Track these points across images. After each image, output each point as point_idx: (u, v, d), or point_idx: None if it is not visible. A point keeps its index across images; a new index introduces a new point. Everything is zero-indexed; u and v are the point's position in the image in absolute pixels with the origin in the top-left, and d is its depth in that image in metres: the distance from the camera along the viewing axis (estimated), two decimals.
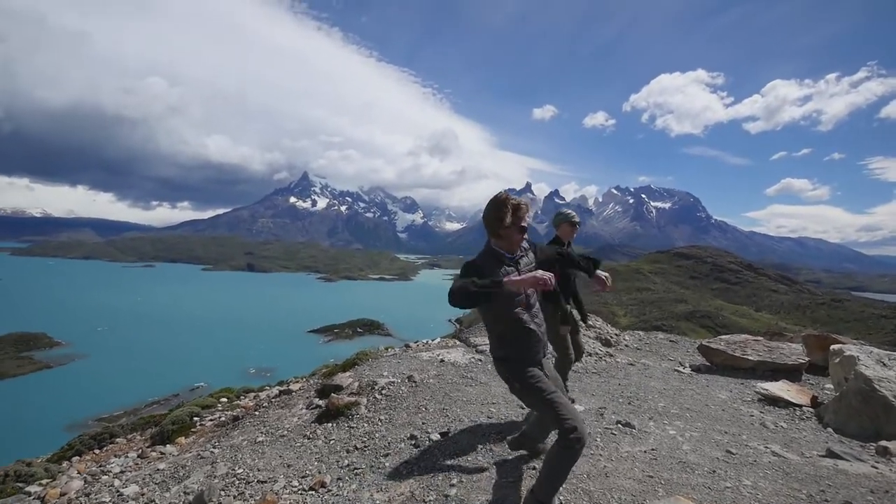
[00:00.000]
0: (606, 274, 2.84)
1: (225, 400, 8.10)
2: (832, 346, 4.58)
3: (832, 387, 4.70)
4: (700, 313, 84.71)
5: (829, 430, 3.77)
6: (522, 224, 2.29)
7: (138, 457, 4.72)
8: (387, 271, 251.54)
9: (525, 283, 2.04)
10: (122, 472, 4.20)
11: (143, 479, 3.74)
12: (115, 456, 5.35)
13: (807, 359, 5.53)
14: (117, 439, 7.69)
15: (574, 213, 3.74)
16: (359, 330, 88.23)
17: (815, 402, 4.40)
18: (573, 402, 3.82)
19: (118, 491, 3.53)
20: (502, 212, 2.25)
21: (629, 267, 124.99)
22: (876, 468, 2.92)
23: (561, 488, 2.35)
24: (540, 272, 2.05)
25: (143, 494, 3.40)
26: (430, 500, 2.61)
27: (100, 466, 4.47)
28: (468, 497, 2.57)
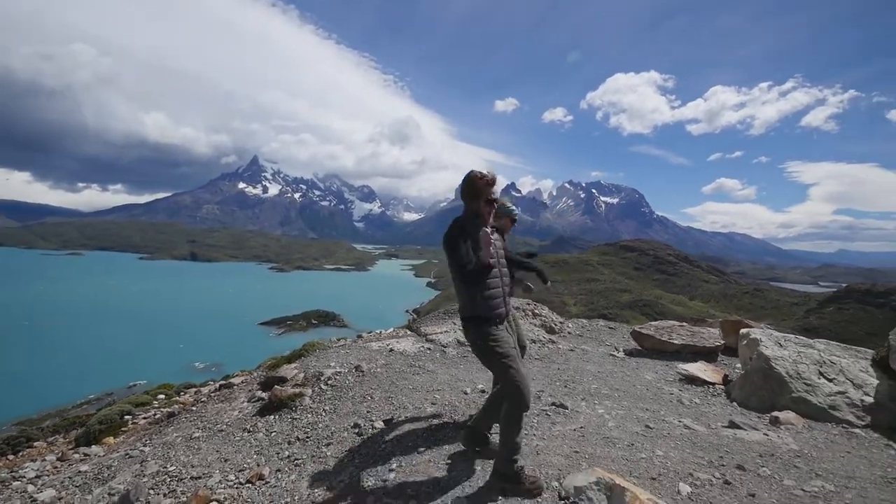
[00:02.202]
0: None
1: (162, 397, 7.66)
2: (741, 330, 5.13)
3: (741, 366, 5.27)
4: (642, 302, 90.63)
5: (735, 404, 4.24)
6: (490, 197, 2.65)
7: (58, 460, 4.37)
8: (343, 261, 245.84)
9: (487, 245, 2.50)
10: (37, 476, 3.89)
11: (62, 482, 3.50)
12: (32, 460, 4.92)
13: (722, 342, 6.14)
14: (35, 443, 7.06)
15: (516, 210, 3.85)
16: (313, 321, 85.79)
17: (725, 380, 4.92)
18: None
19: (31, 497, 3.28)
20: (473, 187, 2.63)
21: (579, 258, 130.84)
22: (767, 436, 3.34)
23: (518, 455, 2.49)
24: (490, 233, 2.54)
25: (60, 499, 3.19)
26: (369, 487, 2.66)
27: (11, 472, 4.09)
28: (406, 481, 2.65)
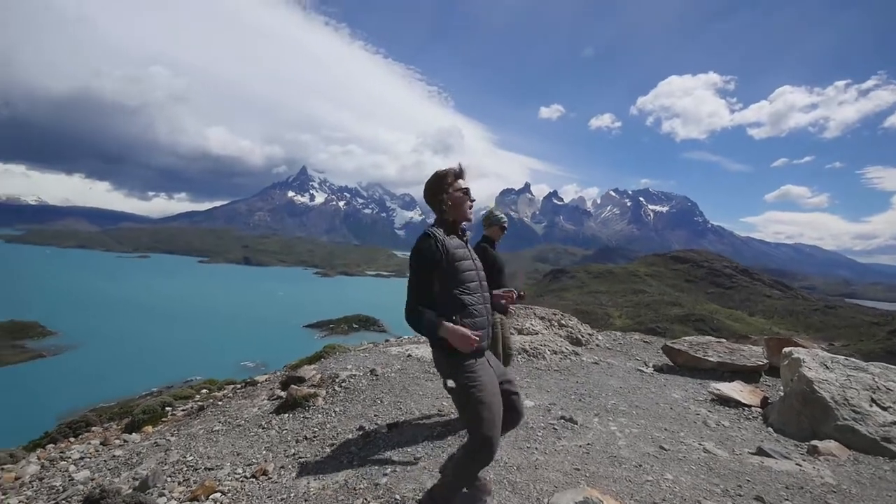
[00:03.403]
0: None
1: (205, 391, 8.17)
2: (784, 349, 4.68)
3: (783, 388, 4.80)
4: (694, 316, 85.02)
5: (770, 429, 3.86)
6: (465, 188, 2.26)
7: (101, 444, 4.79)
8: (384, 268, 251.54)
9: (456, 340, 2.00)
10: (81, 458, 4.26)
11: (98, 465, 3.81)
12: (81, 443, 5.41)
13: (765, 361, 5.63)
14: (93, 428, 7.74)
15: (505, 218, 3.65)
16: (354, 325, 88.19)
17: (764, 403, 4.50)
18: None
19: (70, 476, 3.60)
20: (446, 180, 2.24)
21: (626, 269, 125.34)
22: (800, 466, 3.01)
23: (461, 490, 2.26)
24: (471, 334, 2.00)
25: (92, 479, 3.47)
26: (360, 489, 2.69)
27: (60, 453, 4.53)
28: (396, 486, 2.65)
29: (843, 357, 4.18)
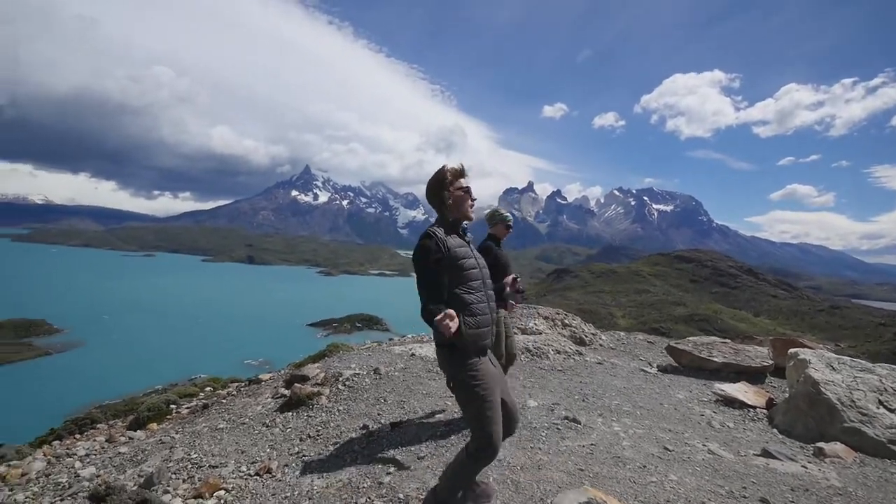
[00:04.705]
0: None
1: (209, 389, 8.21)
2: (790, 350, 4.64)
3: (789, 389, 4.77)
4: (698, 317, 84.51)
5: (775, 431, 3.84)
6: (465, 185, 2.26)
7: (106, 441, 4.82)
8: (387, 267, 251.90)
9: (443, 328, 1.86)
10: (87, 455, 4.30)
11: (104, 461, 3.84)
12: (87, 440, 5.45)
13: (771, 362, 5.59)
14: (98, 425, 7.80)
15: (510, 216, 3.65)
16: (358, 325, 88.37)
17: (769, 404, 4.47)
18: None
19: (76, 473, 3.63)
20: (447, 179, 2.23)
21: (629, 269, 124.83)
22: (805, 468, 2.99)
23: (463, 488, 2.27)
24: (446, 319, 1.86)
25: (98, 476, 3.50)
26: (363, 487, 2.69)
27: (67, 450, 4.57)
28: (400, 485, 2.65)
29: (849, 358, 4.15)
